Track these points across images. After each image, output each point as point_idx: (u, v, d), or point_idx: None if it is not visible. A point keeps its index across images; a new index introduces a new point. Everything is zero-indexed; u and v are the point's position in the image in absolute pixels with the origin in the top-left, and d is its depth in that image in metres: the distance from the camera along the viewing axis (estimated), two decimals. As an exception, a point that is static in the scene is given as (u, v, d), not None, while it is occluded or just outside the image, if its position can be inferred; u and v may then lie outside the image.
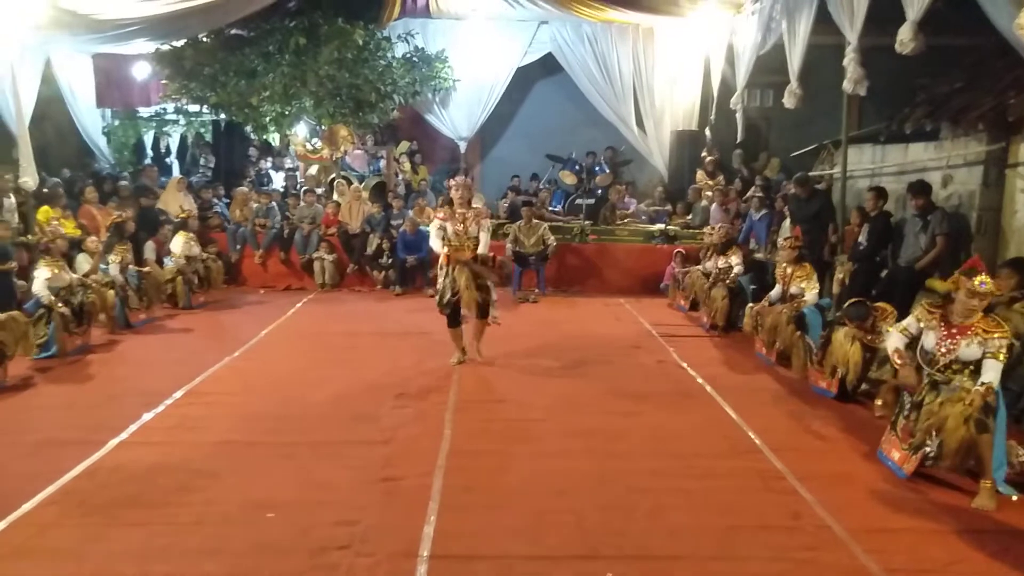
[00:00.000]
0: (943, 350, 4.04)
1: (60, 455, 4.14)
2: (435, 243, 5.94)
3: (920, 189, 6.82)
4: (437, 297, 6.07)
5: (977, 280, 3.95)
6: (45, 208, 8.80)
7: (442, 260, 5.95)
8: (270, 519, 3.48)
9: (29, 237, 8.18)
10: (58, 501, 3.64)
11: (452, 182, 6.46)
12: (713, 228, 9.25)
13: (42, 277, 6.45)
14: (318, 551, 3.20)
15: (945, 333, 4.05)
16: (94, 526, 3.39)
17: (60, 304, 6.40)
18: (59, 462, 4.04)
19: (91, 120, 12.31)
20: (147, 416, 4.86)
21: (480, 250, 5.89)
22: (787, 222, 8.50)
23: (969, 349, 3.96)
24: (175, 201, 10.39)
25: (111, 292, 7.31)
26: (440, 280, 6.00)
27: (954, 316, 4.05)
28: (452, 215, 5.95)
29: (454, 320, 6.11)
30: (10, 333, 5.61)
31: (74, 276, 6.94)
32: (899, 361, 4.18)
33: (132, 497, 3.68)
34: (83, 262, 7.51)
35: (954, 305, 4.05)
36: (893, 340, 4.32)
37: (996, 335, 3.92)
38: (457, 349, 6.25)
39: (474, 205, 6.16)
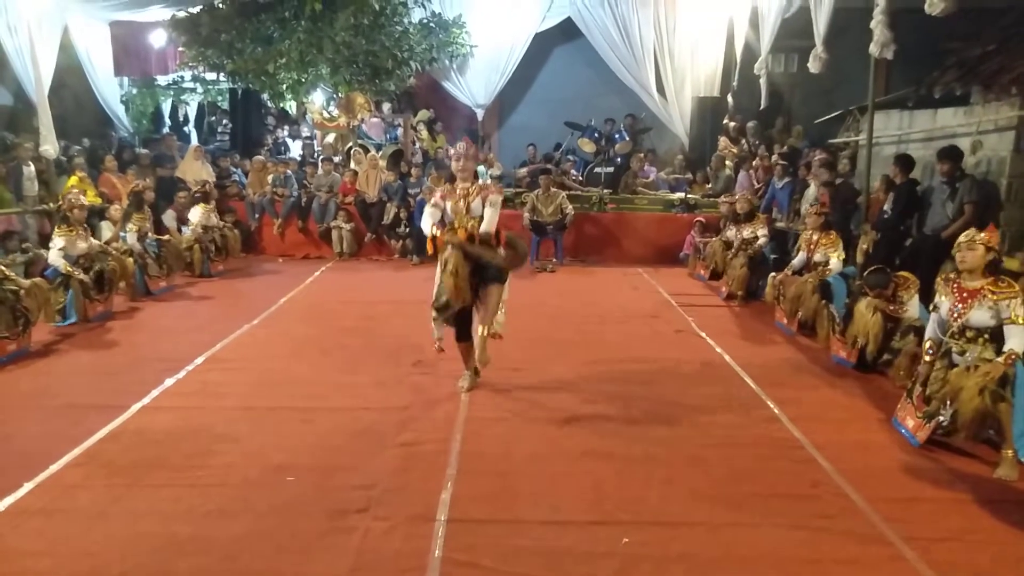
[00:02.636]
0: (954, 315, 4.01)
1: (85, 419, 4.22)
2: (424, 223, 4.68)
3: (948, 155, 6.65)
4: (433, 297, 4.64)
5: (964, 233, 4.02)
6: (74, 178, 8.87)
7: (428, 242, 4.68)
8: (290, 482, 3.53)
9: (50, 205, 8.26)
10: (83, 463, 3.71)
11: (452, 150, 5.13)
12: (731, 196, 9.14)
13: (56, 246, 6.51)
14: (337, 514, 3.24)
15: (957, 298, 4.02)
16: (119, 487, 3.46)
17: (79, 271, 6.47)
18: (84, 425, 4.11)
19: (109, 89, 12.35)
20: (169, 381, 4.93)
21: (483, 228, 4.54)
22: (810, 190, 8.36)
23: (979, 314, 3.91)
24: (193, 170, 10.44)
25: (130, 260, 7.38)
26: (437, 275, 4.67)
27: (964, 280, 4.03)
28: (452, 191, 4.70)
29: (462, 330, 4.74)
30: (34, 300, 5.68)
31: (94, 243, 7.00)
32: (928, 357, 4.16)
33: (155, 460, 3.75)
34: (106, 229, 7.58)
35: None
36: (929, 327, 4.29)
37: (1006, 296, 3.85)
38: (467, 369, 4.87)
39: (484, 179, 5.10)
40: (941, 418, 3.90)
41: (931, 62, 8.03)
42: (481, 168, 11.77)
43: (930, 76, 7.85)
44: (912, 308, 5.16)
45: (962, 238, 4.04)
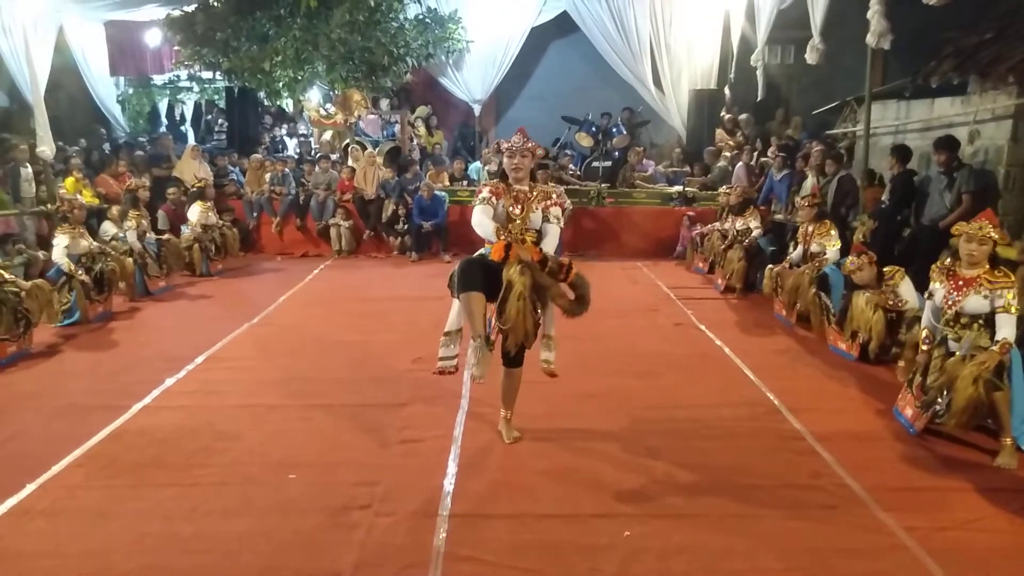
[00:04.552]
0: (949, 303, 4.02)
1: (86, 419, 4.22)
2: (483, 226, 3.71)
3: (945, 145, 6.65)
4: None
5: (975, 224, 3.97)
6: (71, 180, 8.85)
7: (496, 249, 3.60)
8: (292, 480, 3.54)
9: (48, 206, 8.25)
10: (85, 464, 3.71)
11: (506, 144, 3.88)
12: (730, 188, 9.14)
13: (60, 245, 6.53)
14: (339, 510, 3.25)
15: (952, 286, 4.03)
16: (121, 487, 3.46)
17: (81, 272, 6.48)
18: (85, 426, 4.12)
19: (105, 89, 12.34)
20: (170, 381, 4.93)
21: (547, 248, 3.72)
22: (807, 182, 8.36)
23: (974, 301, 3.92)
24: (190, 169, 10.42)
25: (129, 260, 7.38)
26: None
27: (961, 268, 4.03)
28: (506, 191, 3.78)
29: (471, 272, 3.62)
30: (35, 301, 5.69)
31: (94, 243, 7.00)
32: (925, 346, 4.17)
33: (157, 459, 3.75)
34: (109, 229, 7.58)
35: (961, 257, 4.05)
36: (925, 316, 4.30)
37: (1001, 285, 3.86)
38: (478, 339, 3.59)
39: (481, 176, 3.88)
40: (937, 407, 3.91)
41: (928, 51, 8.01)
42: (477, 164, 11.79)
43: (927, 66, 7.82)
44: (910, 298, 5.16)
45: (972, 230, 3.96)
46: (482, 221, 3.72)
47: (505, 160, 3.85)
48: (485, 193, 3.78)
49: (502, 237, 3.66)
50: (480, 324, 3.60)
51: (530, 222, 3.74)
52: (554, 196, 3.85)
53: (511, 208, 3.73)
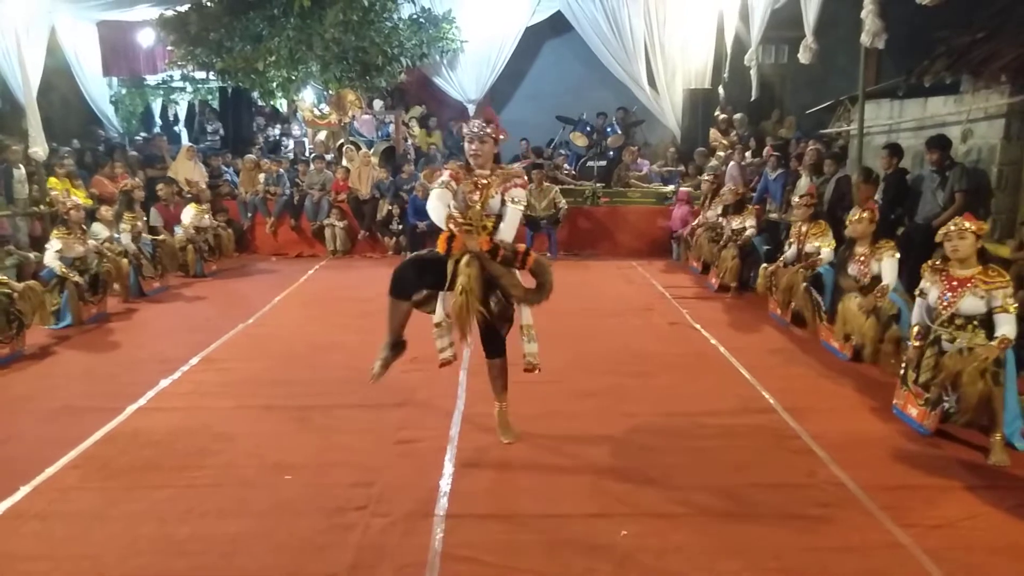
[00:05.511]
0: (944, 303, 4.04)
1: (81, 421, 4.20)
2: (436, 211, 3.62)
3: (937, 144, 6.68)
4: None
5: (949, 223, 4.05)
6: (52, 179, 8.80)
7: (440, 241, 3.61)
8: (287, 481, 3.53)
9: (41, 207, 8.21)
10: (80, 466, 3.70)
11: (466, 128, 3.80)
12: (711, 175, 9.20)
13: (53, 248, 6.49)
14: (335, 511, 3.24)
15: (946, 287, 4.05)
16: (115, 490, 3.45)
17: (74, 274, 6.44)
18: (80, 428, 4.10)
19: (98, 89, 12.29)
20: (164, 383, 4.91)
21: (501, 236, 3.61)
22: (802, 181, 8.38)
23: (970, 301, 3.94)
24: (185, 170, 10.39)
25: (124, 261, 7.35)
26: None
27: (953, 268, 4.06)
28: (467, 174, 3.71)
29: (403, 282, 3.70)
30: (28, 302, 5.66)
31: (91, 244, 6.97)
32: (917, 342, 4.18)
33: (151, 461, 3.74)
34: (100, 231, 7.55)
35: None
36: (915, 312, 4.31)
37: (997, 285, 3.89)
38: (387, 340, 3.82)
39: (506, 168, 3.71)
40: (946, 405, 3.92)
41: (921, 51, 8.05)
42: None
43: (920, 65, 7.86)
44: (889, 276, 5.14)
45: (950, 227, 4.06)
46: (436, 207, 3.63)
47: (465, 145, 3.76)
48: (444, 176, 3.70)
49: (452, 227, 3.52)
50: (395, 330, 3.74)
51: (489, 207, 3.64)
52: (516, 176, 3.71)
53: (470, 194, 3.64)
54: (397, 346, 3.82)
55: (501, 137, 3.89)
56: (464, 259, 3.49)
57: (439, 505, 3.28)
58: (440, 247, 3.60)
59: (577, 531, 3.08)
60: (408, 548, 2.96)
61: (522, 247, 3.64)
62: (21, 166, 8.56)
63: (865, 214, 5.40)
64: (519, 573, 2.80)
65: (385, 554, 2.92)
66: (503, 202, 3.65)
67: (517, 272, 3.66)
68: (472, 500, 3.34)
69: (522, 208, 3.68)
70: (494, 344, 3.78)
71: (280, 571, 2.83)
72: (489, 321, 3.65)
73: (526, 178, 3.82)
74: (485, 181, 3.67)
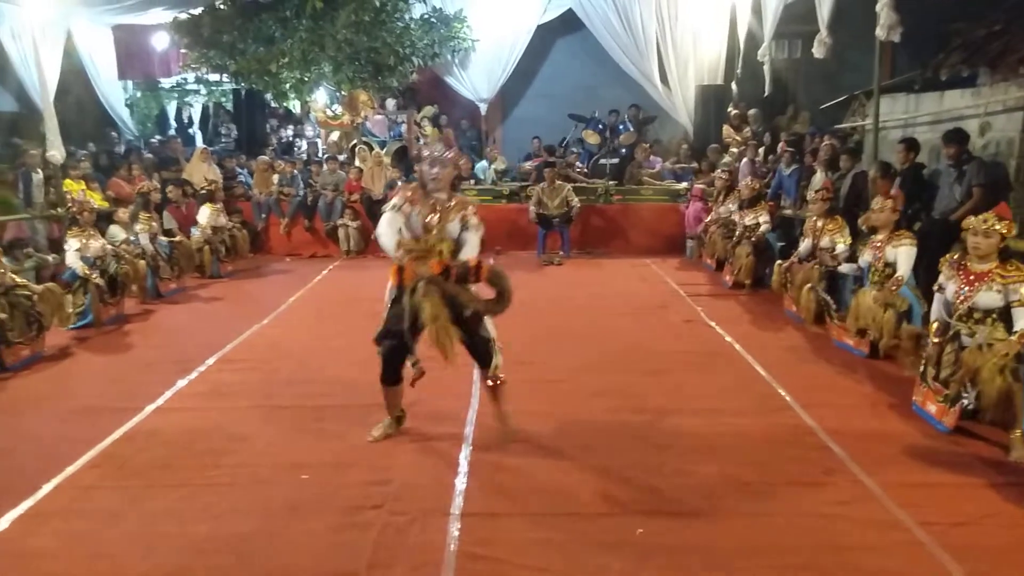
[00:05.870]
0: (960, 298, 4.01)
1: (99, 421, 4.25)
2: (385, 237, 3.65)
3: (954, 138, 6.59)
4: (383, 328, 3.77)
5: (980, 218, 3.96)
6: (68, 180, 8.90)
7: (392, 273, 3.69)
8: (304, 480, 3.55)
9: (58, 210, 8.30)
10: (99, 464, 3.74)
11: (427, 151, 3.83)
12: (724, 172, 9.16)
13: (72, 248, 6.58)
14: (352, 510, 3.25)
15: (963, 281, 4.01)
16: (134, 488, 3.48)
17: (94, 275, 6.52)
18: (99, 427, 4.14)
19: (113, 93, 12.42)
20: (181, 383, 4.95)
21: (463, 256, 3.64)
22: (817, 176, 8.31)
23: (987, 296, 3.91)
24: (199, 171, 10.47)
25: (142, 263, 7.42)
26: (387, 301, 3.80)
27: (971, 262, 4.02)
28: (423, 198, 3.71)
29: (391, 371, 3.81)
30: (47, 304, 5.72)
31: (107, 246, 7.04)
32: (936, 338, 4.14)
33: (169, 460, 3.77)
34: (118, 233, 7.63)
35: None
36: (934, 308, 4.27)
37: (1014, 280, 3.85)
38: (390, 416, 4.02)
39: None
40: (965, 401, 3.88)
41: (937, 44, 7.96)
42: (483, 163, 11.79)
43: (936, 58, 7.78)
44: (904, 267, 5.09)
45: (976, 223, 3.99)
46: (386, 233, 3.64)
47: (425, 168, 3.75)
48: (396, 200, 3.73)
49: (401, 255, 3.57)
50: (395, 408, 3.98)
51: (447, 232, 3.66)
52: (472, 205, 3.81)
53: (427, 218, 3.66)
54: (400, 419, 4.06)
55: (461, 162, 3.93)
56: (420, 288, 3.49)
57: (455, 504, 3.28)
58: (392, 279, 3.67)
59: (592, 529, 3.08)
60: (424, 546, 2.96)
61: (474, 261, 3.62)
62: (39, 170, 8.65)
63: (888, 203, 5.35)
64: (534, 571, 2.80)
65: (401, 552, 2.93)
66: (462, 228, 3.70)
67: (473, 287, 3.67)
68: (487, 498, 3.34)
69: (481, 232, 3.75)
70: (482, 355, 3.81)
71: (297, 570, 2.85)
72: (471, 336, 3.70)
73: (475, 208, 3.89)
74: (444, 205, 3.70)
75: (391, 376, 3.82)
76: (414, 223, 3.67)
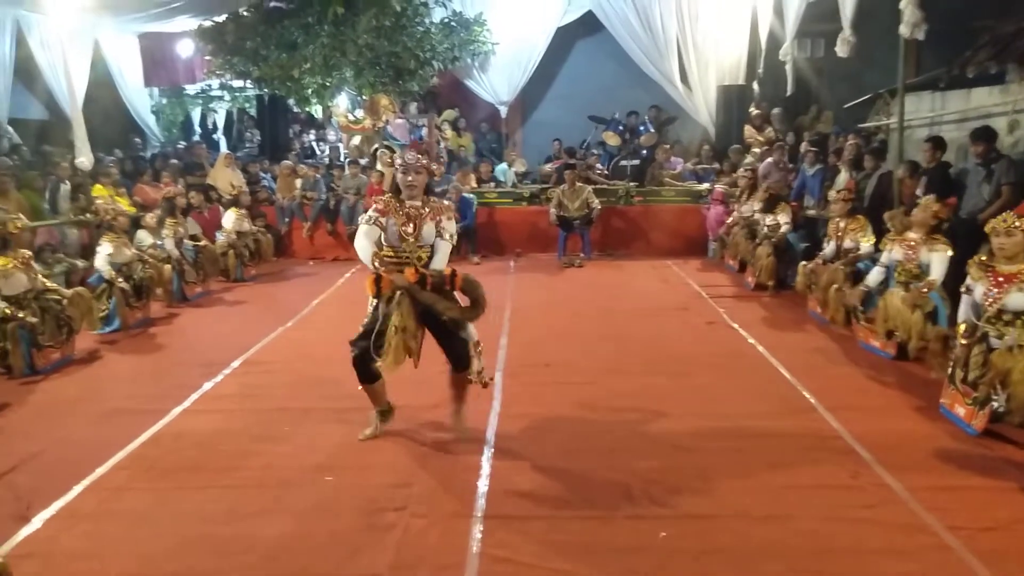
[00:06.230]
0: (989, 299, 3.95)
1: (128, 423, 4.32)
2: (363, 250, 3.74)
3: (982, 136, 6.49)
4: (360, 331, 3.86)
5: (1000, 217, 3.93)
6: (98, 186, 9.06)
7: (368, 284, 3.75)
8: (328, 482, 3.58)
9: (87, 216, 8.45)
10: (128, 467, 3.80)
11: (399, 159, 4.01)
12: (747, 171, 9.08)
13: (104, 252, 6.70)
14: (375, 512, 3.28)
15: (992, 283, 3.96)
16: (162, 490, 3.54)
17: (120, 279, 6.64)
18: (127, 429, 4.21)
19: (140, 100, 12.61)
20: (207, 385, 5.02)
21: (435, 266, 3.73)
22: (841, 176, 8.22)
23: (1017, 297, 3.86)
24: (224, 177, 10.59)
25: (168, 267, 7.54)
26: (369, 310, 3.87)
27: (999, 263, 3.97)
28: (398, 207, 3.79)
29: (365, 371, 3.87)
30: (76, 308, 5.84)
31: (135, 251, 7.17)
32: (964, 340, 4.08)
33: (196, 462, 3.83)
34: (144, 238, 7.77)
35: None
36: (962, 309, 4.22)
37: None
38: (376, 410, 4.11)
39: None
40: (995, 404, 3.82)
41: (963, 41, 7.83)
42: (503, 166, 11.81)
43: (963, 55, 7.66)
44: (938, 271, 5.03)
45: (998, 223, 3.95)
46: (363, 245, 3.74)
47: (399, 176, 3.84)
48: (372, 212, 3.81)
49: (378, 266, 3.68)
50: (381, 402, 4.09)
51: (423, 238, 3.75)
52: (446, 208, 3.88)
53: (403, 226, 3.75)
54: (386, 414, 4.15)
55: (434, 167, 4.00)
56: (395, 298, 3.64)
57: (477, 506, 3.30)
58: (369, 289, 3.76)
59: (615, 532, 3.07)
60: (447, 548, 2.98)
61: (448, 269, 3.75)
62: (68, 181, 8.79)
63: (935, 207, 5.26)
64: (556, 574, 2.81)
65: (424, 554, 2.95)
66: (437, 233, 3.77)
67: (450, 294, 3.77)
68: (510, 501, 3.35)
69: (452, 243, 3.83)
70: (457, 357, 3.91)
71: (321, 571, 2.88)
72: (450, 340, 3.85)
73: (453, 209, 4.02)
74: (420, 212, 3.78)
75: (366, 376, 3.92)
76: (391, 233, 3.77)
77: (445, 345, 3.89)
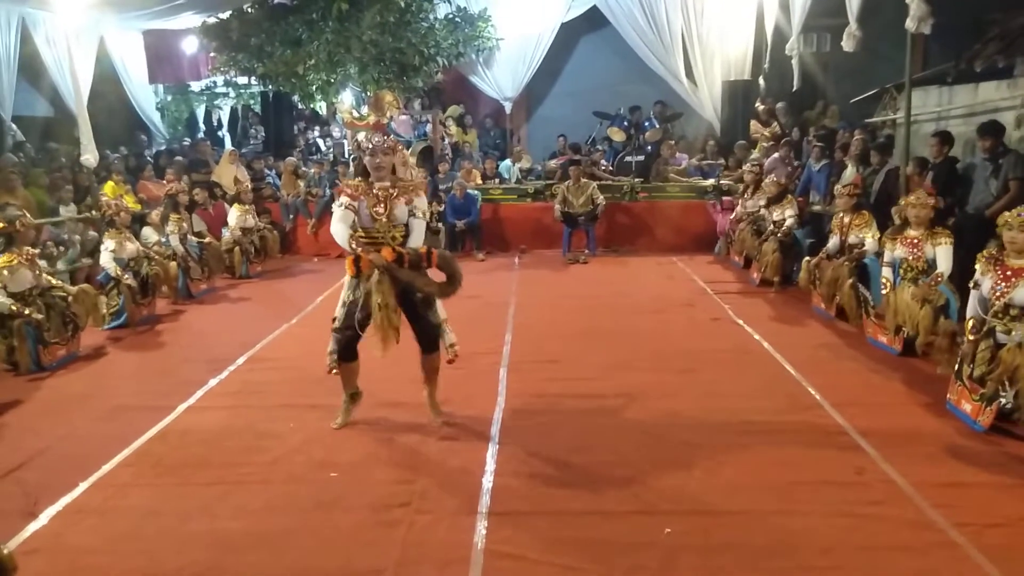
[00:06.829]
0: (997, 293, 3.93)
1: (134, 419, 4.34)
2: (339, 234, 3.84)
3: (990, 130, 6.44)
4: (337, 315, 4.02)
5: (1013, 211, 3.91)
6: (110, 184, 9.08)
7: (348, 264, 3.88)
8: (333, 478, 3.59)
9: (93, 213, 8.47)
10: (134, 463, 3.82)
11: (366, 143, 4.00)
12: (753, 166, 9.04)
13: (108, 249, 6.73)
14: (380, 508, 3.28)
15: (1000, 277, 3.94)
16: (168, 486, 3.55)
17: (127, 276, 6.66)
18: (133, 426, 4.23)
19: (145, 97, 12.61)
20: (213, 382, 5.04)
21: (411, 244, 3.84)
22: (848, 171, 8.18)
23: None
24: (228, 173, 10.61)
25: (173, 264, 7.55)
26: (344, 292, 3.99)
27: (1008, 258, 3.94)
28: (367, 189, 3.88)
29: (348, 350, 4.03)
30: (82, 305, 5.86)
31: (140, 247, 7.19)
32: (972, 335, 4.06)
33: (202, 458, 3.84)
34: (150, 235, 7.78)
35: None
36: (970, 305, 4.20)
37: None
38: (345, 394, 4.22)
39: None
40: (1003, 400, 3.80)
41: (971, 35, 7.79)
42: (508, 162, 11.80)
43: (970, 49, 7.62)
44: (944, 264, 5.02)
45: (1011, 217, 3.93)
46: (338, 230, 3.83)
47: (367, 159, 3.90)
48: (343, 199, 3.88)
49: (355, 247, 3.78)
50: (351, 385, 4.19)
51: (396, 218, 3.86)
52: (416, 186, 3.96)
53: (374, 208, 3.83)
54: (355, 396, 4.26)
55: (400, 147, 4.12)
56: (374, 277, 3.74)
57: (482, 502, 3.30)
58: (349, 270, 3.88)
59: (620, 528, 3.07)
60: (452, 544, 2.98)
61: (424, 248, 3.85)
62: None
63: (930, 199, 5.26)
64: (562, 570, 2.81)
65: (429, 550, 2.95)
66: (410, 213, 3.89)
67: (427, 272, 3.88)
68: (515, 497, 3.35)
69: (426, 220, 3.94)
70: (429, 340, 4.05)
71: (327, 566, 2.88)
72: (421, 323, 3.97)
73: (425, 185, 4.04)
74: (389, 193, 3.86)
75: (347, 355, 4.05)
76: (363, 216, 3.86)
77: (416, 327, 3.99)
